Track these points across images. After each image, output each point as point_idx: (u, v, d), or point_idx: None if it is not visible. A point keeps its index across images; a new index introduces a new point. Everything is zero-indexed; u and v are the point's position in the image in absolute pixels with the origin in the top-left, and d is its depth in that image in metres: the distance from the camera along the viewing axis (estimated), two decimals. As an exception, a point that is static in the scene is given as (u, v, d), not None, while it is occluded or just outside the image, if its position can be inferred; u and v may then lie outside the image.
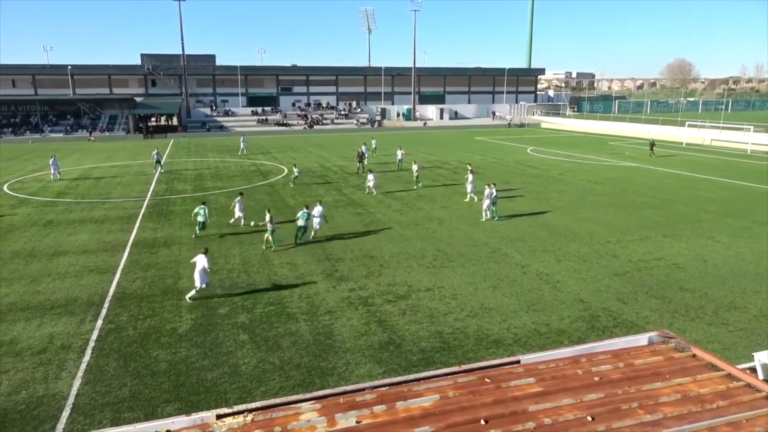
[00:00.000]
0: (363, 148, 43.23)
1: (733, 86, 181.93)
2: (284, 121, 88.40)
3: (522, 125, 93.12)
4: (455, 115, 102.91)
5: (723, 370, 5.42)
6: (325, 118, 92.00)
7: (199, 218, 22.25)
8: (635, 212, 26.29)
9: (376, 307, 15.22)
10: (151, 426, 4.63)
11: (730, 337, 13.23)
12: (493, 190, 24.75)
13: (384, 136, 70.15)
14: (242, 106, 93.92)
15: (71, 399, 10.85)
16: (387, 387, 5.17)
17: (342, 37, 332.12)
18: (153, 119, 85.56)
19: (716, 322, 14.03)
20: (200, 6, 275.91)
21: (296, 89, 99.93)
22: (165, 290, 16.72)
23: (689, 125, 62.44)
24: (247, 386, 11.27)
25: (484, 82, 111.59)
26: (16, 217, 26.57)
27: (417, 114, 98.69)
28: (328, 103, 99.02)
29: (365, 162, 41.44)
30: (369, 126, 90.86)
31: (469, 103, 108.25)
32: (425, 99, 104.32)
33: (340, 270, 18.36)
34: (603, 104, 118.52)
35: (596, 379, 5.30)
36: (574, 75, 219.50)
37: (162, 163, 41.69)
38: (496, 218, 24.76)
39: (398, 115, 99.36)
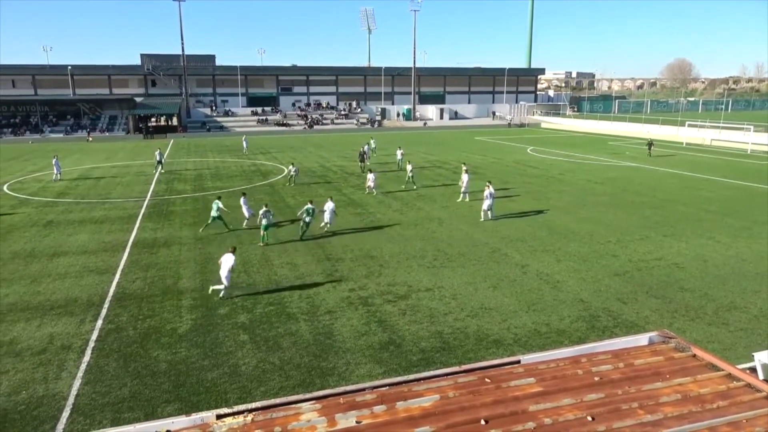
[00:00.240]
0: (365, 147, 43.26)
1: (733, 86, 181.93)
2: (284, 121, 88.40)
3: (522, 125, 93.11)
4: (455, 115, 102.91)
5: (723, 370, 5.42)
6: (325, 118, 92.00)
7: (212, 213, 22.87)
8: (635, 212, 26.29)
9: (376, 307, 15.22)
10: (151, 426, 4.63)
11: (730, 337, 13.23)
12: (492, 190, 24.75)
13: (384, 136, 70.18)
14: (242, 107, 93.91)
15: (71, 399, 10.85)
16: (387, 387, 5.17)
17: (342, 37, 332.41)
18: (153, 119, 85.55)
19: (716, 322, 14.03)
20: (200, 6, 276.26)
21: (296, 89, 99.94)
22: (165, 290, 16.72)
23: (689, 125, 62.43)
24: (247, 386, 11.27)
25: (484, 82, 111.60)
26: (16, 218, 26.57)
27: (417, 114, 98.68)
28: (328, 103, 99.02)
29: (367, 162, 41.47)
30: (369, 126, 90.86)
31: (469, 103, 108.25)
32: (425, 99, 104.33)
33: (340, 270, 18.36)
34: (603, 104, 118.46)
35: (596, 379, 5.30)
36: (574, 75, 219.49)
37: (163, 163, 41.71)
38: (491, 218, 24.73)
39: (398, 115, 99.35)
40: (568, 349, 5.99)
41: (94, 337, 13.57)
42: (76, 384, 11.40)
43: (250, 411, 4.80)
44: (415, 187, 33.05)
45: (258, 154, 52.99)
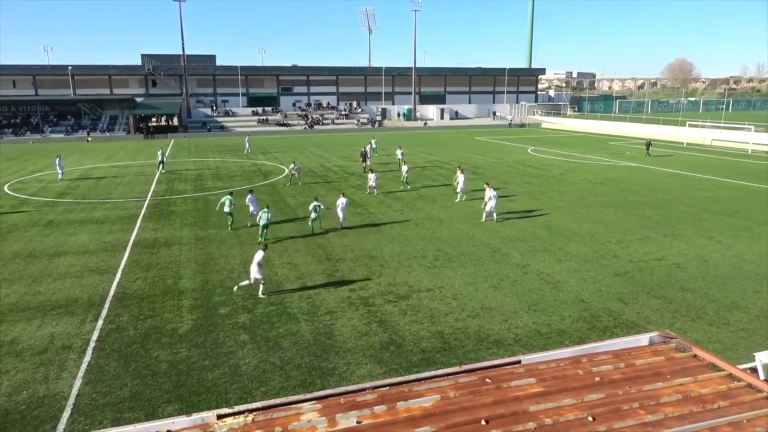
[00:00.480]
0: (367, 147, 43.25)
1: (734, 86, 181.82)
2: (285, 121, 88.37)
3: (522, 125, 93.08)
4: (456, 115, 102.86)
5: (724, 370, 5.42)
6: (326, 118, 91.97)
7: (225, 209, 23.14)
8: (636, 212, 26.27)
9: (376, 307, 15.21)
10: (152, 426, 4.63)
11: (731, 337, 13.22)
12: (493, 191, 24.70)
13: (384, 136, 70.17)
14: (243, 107, 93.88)
15: (72, 399, 10.85)
16: (388, 387, 5.17)
17: (342, 37, 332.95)
18: (153, 119, 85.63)
19: (717, 322, 14.02)
20: (200, 6, 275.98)
21: (296, 89, 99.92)
22: (165, 290, 16.72)
23: (690, 125, 62.41)
24: (247, 386, 11.27)
25: (484, 82, 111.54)
26: (16, 218, 26.58)
27: (417, 114, 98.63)
28: (328, 103, 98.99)
29: (368, 162, 41.46)
30: (369, 126, 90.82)
31: (469, 103, 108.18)
32: (426, 99, 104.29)
33: (340, 270, 18.36)
34: (603, 104, 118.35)
35: (597, 379, 5.30)
36: (574, 75, 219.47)
37: (164, 163, 41.76)
38: (495, 219, 24.71)
39: (399, 115, 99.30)
40: (569, 350, 5.99)
41: (94, 337, 13.58)
42: (77, 384, 11.40)
43: (251, 411, 4.81)
44: (408, 187, 32.96)
45: (258, 154, 53.01)
